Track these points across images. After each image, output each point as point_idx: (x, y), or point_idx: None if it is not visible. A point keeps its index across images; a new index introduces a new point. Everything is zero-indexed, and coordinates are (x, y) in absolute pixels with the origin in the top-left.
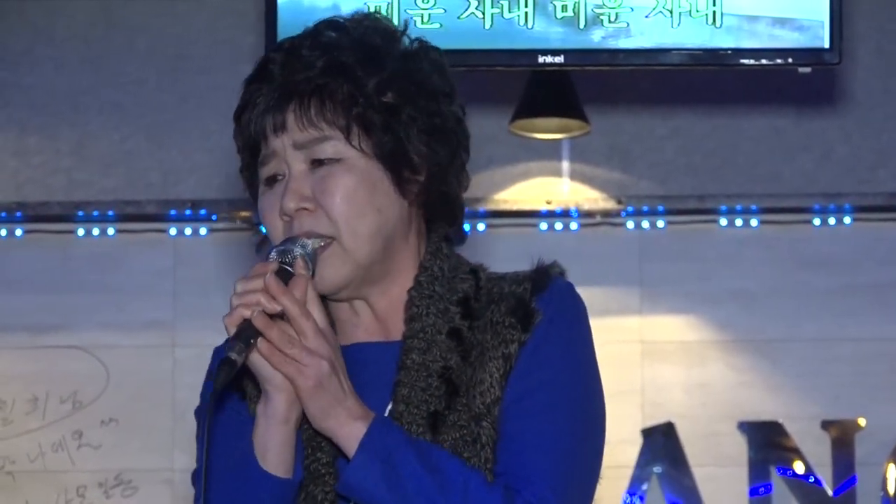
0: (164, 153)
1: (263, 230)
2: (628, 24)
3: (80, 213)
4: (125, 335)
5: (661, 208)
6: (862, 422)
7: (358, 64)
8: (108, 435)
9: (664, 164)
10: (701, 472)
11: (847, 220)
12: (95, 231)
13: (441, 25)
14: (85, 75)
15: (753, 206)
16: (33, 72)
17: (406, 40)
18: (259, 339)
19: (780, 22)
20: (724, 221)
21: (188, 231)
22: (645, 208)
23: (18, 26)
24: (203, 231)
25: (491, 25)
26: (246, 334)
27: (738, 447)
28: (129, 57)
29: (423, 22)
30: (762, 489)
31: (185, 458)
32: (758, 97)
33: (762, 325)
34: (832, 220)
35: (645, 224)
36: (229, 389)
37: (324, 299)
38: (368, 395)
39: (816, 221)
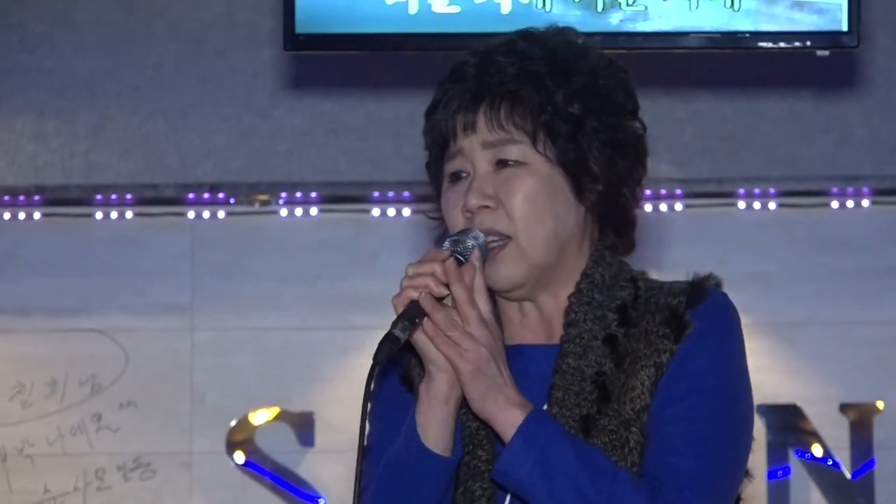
0: (182, 136)
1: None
2: (646, 7)
3: (99, 196)
4: (144, 318)
5: (679, 191)
6: (880, 405)
7: (548, 74)
8: (127, 418)
9: (682, 147)
10: None
11: (865, 202)
12: (114, 214)
13: (460, 9)
14: (103, 59)
15: (772, 189)
16: (52, 55)
17: (595, 56)
18: (425, 320)
19: (799, 5)
20: (742, 204)
21: (206, 214)
22: (663, 191)
23: (38, 10)
24: (221, 214)
25: (509, 10)
26: (411, 313)
27: (757, 430)
28: (148, 41)
29: (442, 5)
30: (780, 472)
31: (204, 440)
32: (776, 80)
33: (780, 309)
34: (850, 203)
35: (663, 207)
36: (397, 381)
37: (496, 297)
38: (528, 394)
39: (835, 204)
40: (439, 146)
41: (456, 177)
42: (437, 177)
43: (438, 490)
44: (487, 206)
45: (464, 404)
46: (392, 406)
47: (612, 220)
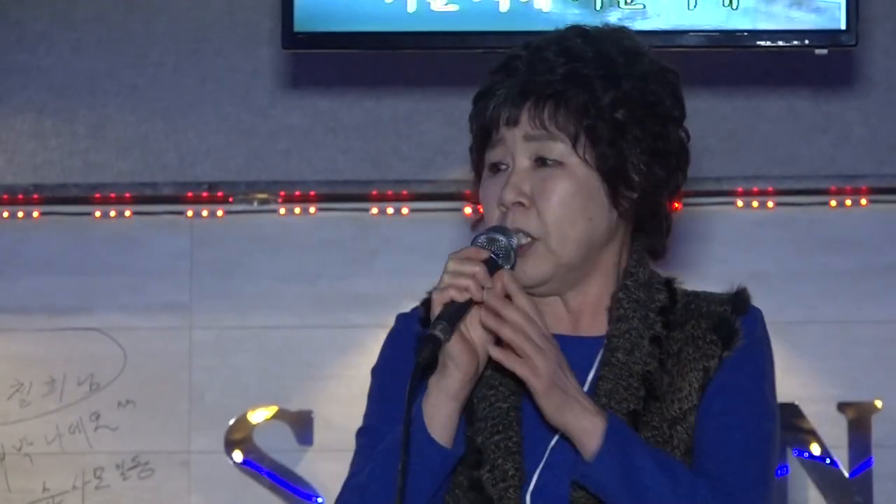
0: (181, 135)
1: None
2: (645, 6)
3: (98, 195)
4: (142, 317)
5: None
6: (879, 404)
7: (597, 77)
8: (125, 417)
9: None
10: None
11: (864, 201)
12: (112, 213)
13: (459, 7)
14: (103, 58)
15: (771, 188)
16: (51, 54)
17: (647, 61)
18: (492, 346)
19: (797, 3)
20: (740, 203)
21: (205, 213)
22: None
23: (37, 8)
24: (220, 213)
25: (508, 7)
26: (451, 315)
27: None
28: (147, 40)
29: (441, 4)
30: (778, 471)
31: (203, 439)
32: (775, 79)
33: (779, 307)
34: (849, 202)
35: None
36: (404, 350)
37: None
38: None
39: (833, 203)
40: (482, 134)
41: (496, 168)
42: (476, 164)
43: (437, 481)
44: (521, 204)
45: (493, 385)
46: (395, 383)
47: (647, 224)
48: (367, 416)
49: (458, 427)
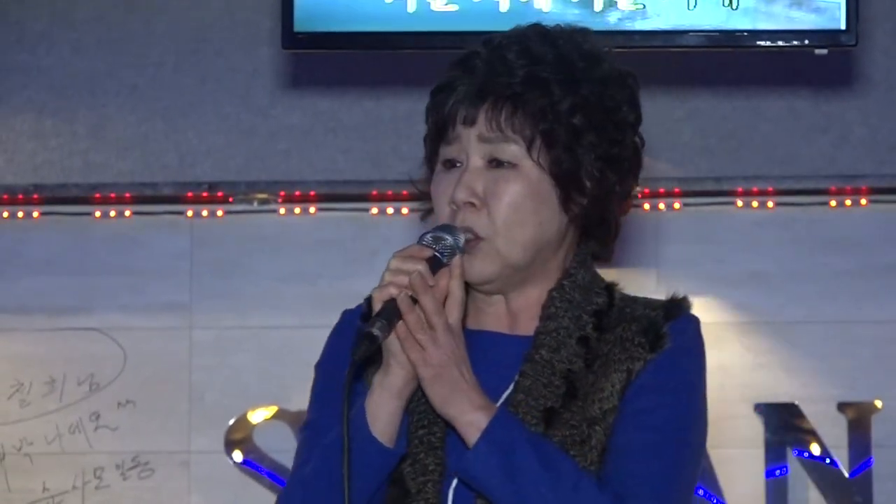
0: (181, 135)
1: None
2: (644, 6)
3: (98, 195)
4: (142, 317)
5: (677, 190)
6: (879, 404)
7: (556, 81)
8: (125, 417)
9: (681, 145)
10: (717, 453)
11: (864, 201)
12: (112, 213)
13: (458, 7)
14: (103, 57)
15: (770, 188)
16: (51, 54)
17: (606, 65)
18: (399, 325)
19: (797, 3)
20: (740, 203)
21: (205, 213)
22: (661, 190)
23: (37, 8)
24: (220, 213)
25: (508, 7)
26: (390, 313)
27: (755, 429)
28: (147, 40)
29: (441, 4)
30: (778, 471)
31: (203, 439)
32: (775, 79)
33: (779, 307)
34: (849, 202)
35: (661, 206)
36: (346, 349)
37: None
38: (486, 380)
39: (833, 203)
40: (438, 129)
41: (450, 164)
42: (430, 157)
43: (378, 478)
44: (472, 204)
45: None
46: (337, 379)
47: (595, 229)
48: (309, 410)
49: (402, 425)
